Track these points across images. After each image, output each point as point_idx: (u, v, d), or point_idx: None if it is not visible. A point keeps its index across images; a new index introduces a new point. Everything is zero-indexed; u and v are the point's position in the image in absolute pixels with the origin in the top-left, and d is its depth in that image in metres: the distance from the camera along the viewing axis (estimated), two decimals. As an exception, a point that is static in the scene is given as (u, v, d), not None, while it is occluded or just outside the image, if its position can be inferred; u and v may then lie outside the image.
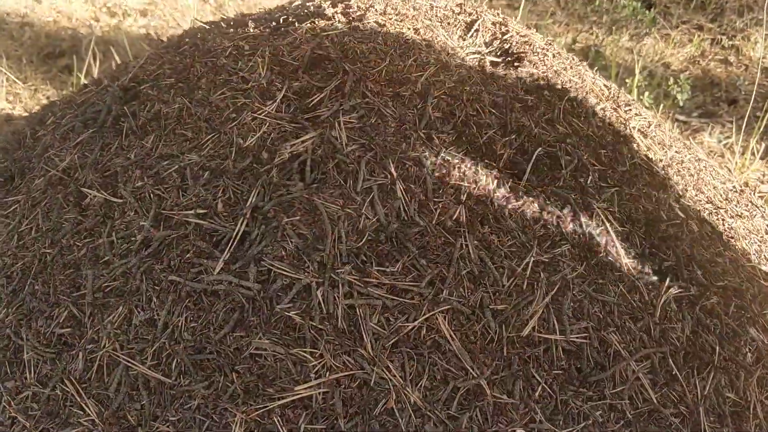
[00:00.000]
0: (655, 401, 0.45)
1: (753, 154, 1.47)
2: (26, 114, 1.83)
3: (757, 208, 0.72)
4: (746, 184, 1.40)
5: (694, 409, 0.46)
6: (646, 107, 1.50)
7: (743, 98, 1.74)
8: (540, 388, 0.43)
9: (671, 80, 1.53)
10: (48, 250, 0.51)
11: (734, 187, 0.72)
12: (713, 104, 1.73)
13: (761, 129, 1.48)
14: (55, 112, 0.66)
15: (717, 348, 0.49)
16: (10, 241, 0.55)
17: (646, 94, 1.50)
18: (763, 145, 1.53)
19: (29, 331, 0.49)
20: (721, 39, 2.03)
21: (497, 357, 0.43)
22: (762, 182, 1.44)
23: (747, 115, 1.50)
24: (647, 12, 1.89)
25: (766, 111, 1.48)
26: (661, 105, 1.58)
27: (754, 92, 1.50)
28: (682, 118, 1.62)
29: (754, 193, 0.84)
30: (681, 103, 1.52)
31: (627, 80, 1.54)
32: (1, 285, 0.53)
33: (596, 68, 1.83)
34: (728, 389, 0.48)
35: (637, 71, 1.48)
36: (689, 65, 1.91)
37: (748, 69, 1.89)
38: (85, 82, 0.91)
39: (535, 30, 1.94)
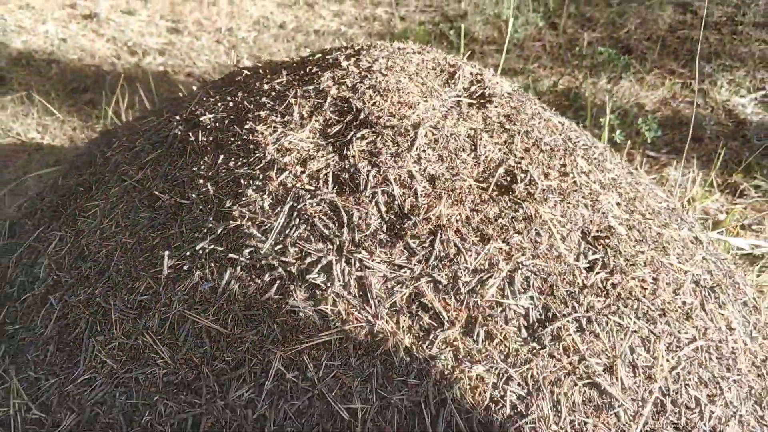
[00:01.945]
0: (583, 352, 0.63)
1: (712, 185, 1.68)
2: (61, 143, 2.05)
3: (686, 222, 0.92)
4: (706, 212, 1.61)
5: (613, 360, 0.64)
6: (617, 142, 1.72)
7: (708, 137, 1.96)
8: (497, 338, 0.61)
9: (640, 120, 1.75)
10: (128, 240, 0.70)
11: (668, 206, 0.92)
12: (681, 142, 1.94)
13: (717, 165, 1.69)
14: (120, 137, 0.85)
15: (633, 317, 0.67)
16: (94, 234, 0.73)
17: (618, 132, 1.71)
18: (723, 178, 1.74)
19: (115, 299, 0.67)
20: (691, 83, 2.26)
21: (466, 315, 0.61)
22: (720, 212, 1.64)
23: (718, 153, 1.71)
24: (622, 58, 2.12)
25: (722, 149, 1.70)
26: (632, 141, 1.79)
27: (707, 131, 1.71)
28: (652, 153, 1.84)
29: (687, 212, 1.03)
30: (649, 140, 1.73)
31: (601, 119, 1.76)
32: (90, 267, 0.71)
33: (575, 107, 2.06)
34: (641, 348, 0.67)
35: (608, 111, 1.69)
36: (661, 106, 2.14)
37: (713, 110, 2.12)
38: (138, 114, 1.10)
39: (516, 73, 2.19)
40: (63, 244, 0.76)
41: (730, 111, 2.12)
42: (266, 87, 0.75)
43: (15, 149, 2.18)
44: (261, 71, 0.82)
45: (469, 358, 0.60)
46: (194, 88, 0.91)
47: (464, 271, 0.63)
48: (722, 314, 0.79)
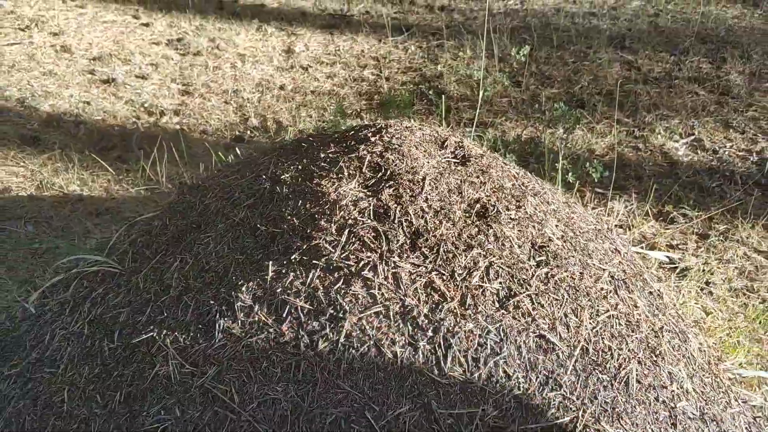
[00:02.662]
0: (534, 315, 1.03)
1: (647, 214, 2.13)
2: (99, 194, 2.45)
3: (608, 238, 1.34)
4: (643, 236, 2.04)
5: (553, 322, 1.05)
6: (570, 182, 2.15)
7: (646, 175, 2.42)
8: (480, 307, 1.01)
9: (588, 163, 2.20)
10: (239, 257, 1.09)
11: (595, 227, 1.34)
12: (624, 180, 2.40)
13: (651, 198, 2.14)
14: (213, 190, 1.25)
15: (566, 296, 1.08)
16: (211, 255, 1.12)
17: (570, 173, 2.16)
18: (658, 208, 2.19)
19: (236, 294, 1.05)
20: (634, 131, 2.74)
21: (460, 294, 1.01)
22: (655, 235, 2.08)
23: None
24: (575, 111, 2.59)
25: (653, 185, 2.16)
26: (583, 181, 2.24)
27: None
28: (599, 190, 2.28)
29: (611, 232, 1.45)
30: (596, 180, 2.18)
31: (557, 164, 2.20)
32: (212, 275, 1.09)
33: (536, 154, 2.52)
34: (571, 315, 1.07)
35: (560, 158, 2.14)
36: (609, 150, 2.61)
37: (652, 153, 2.59)
38: (219, 166, 1.50)
39: (487, 126, 2.66)
40: (185, 263, 1.14)
41: (666, 153, 2.60)
42: (322, 155, 1.16)
43: (59, 201, 2.56)
44: (315, 143, 1.23)
45: (463, 319, 1.00)
46: (253, 152, 1.30)
47: (458, 267, 1.03)
48: (630, 297, 1.21)
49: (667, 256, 1.79)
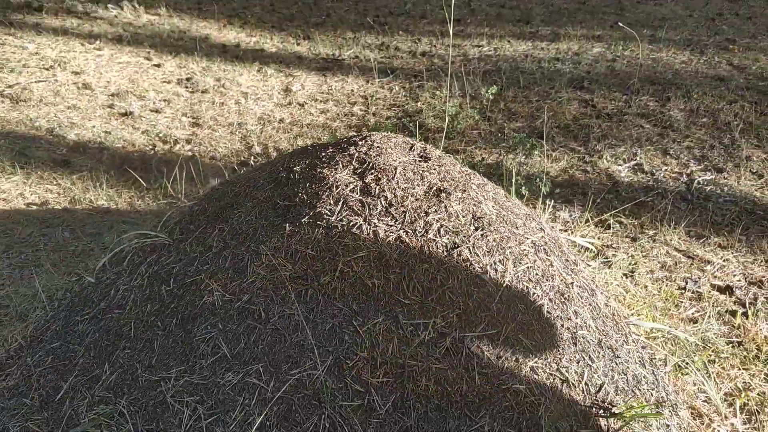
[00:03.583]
0: (472, 261, 1.50)
1: (588, 221, 2.61)
2: (124, 208, 2.88)
3: (534, 220, 1.81)
4: (583, 236, 2.51)
5: (485, 267, 1.51)
6: (524, 194, 2.64)
7: (591, 192, 2.91)
8: (434, 253, 1.48)
9: (538, 179, 2.69)
10: (264, 222, 1.55)
11: (526, 213, 1.82)
12: (571, 195, 2.90)
13: (592, 208, 2.63)
14: (241, 181, 1.72)
15: (494, 251, 1.55)
16: (242, 224, 1.58)
17: (523, 187, 2.65)
18: (599, 218, 2.67)
19: (262, 246, 1.51)
20: (585, 156, 3.26)
21: (420, 244, 1.48)
22: (593, 238, 2.55)
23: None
24: (532, 140, 3.11)
25: (595, 199, 2.65)
26: (536, 195, 2.72)
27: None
28: (550, 203, 2.77)
29: (540, 218, 1.92)
30: (545, 193, 2.67)
31: (513, 181, 2.70)
32: (244, 235, 1.55)
33: (498, 174, 3.03)
34: (500, 263, 1.54)
35: (514, 174, 2.64)
36: (561, 173, 3.11)
37: (598, 174, 3.09)
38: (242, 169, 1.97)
39: (458, 152, 3.22)
40: (222, 231, 1.61)
41: (610, 175, 3.11)
42: (323, 154, 1.64)
43: (89, 213, 3.01)
44: (318, 147, 1.71)
45: (421, 261, 1.46)
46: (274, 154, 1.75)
47: (419, 227, 1.50)
48: (548, 258, 1.68)
49: (589, 241, 2.27)
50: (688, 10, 5.80)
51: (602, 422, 1.42)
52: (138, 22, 5.51)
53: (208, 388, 1.35)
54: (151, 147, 3.58)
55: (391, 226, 1.48)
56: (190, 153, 3.58)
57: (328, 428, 1.27)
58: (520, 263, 1.56)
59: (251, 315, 1.40)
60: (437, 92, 4.01)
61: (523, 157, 3.14)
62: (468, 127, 3.59)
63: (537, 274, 1.58)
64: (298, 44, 5.17)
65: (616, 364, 1.57)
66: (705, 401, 1.84)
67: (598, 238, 2.56)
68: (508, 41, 5.11)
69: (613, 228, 2.66)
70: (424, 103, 3.96)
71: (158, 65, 4.66)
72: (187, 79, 4.42)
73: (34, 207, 3.02)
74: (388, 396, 1.29)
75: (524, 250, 1.60)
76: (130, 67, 4.62)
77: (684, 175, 3.10)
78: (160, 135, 3.75)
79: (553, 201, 2.78)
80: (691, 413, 1.79)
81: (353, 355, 1.33)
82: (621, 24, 5.17)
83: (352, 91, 4.28)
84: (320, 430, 1.27)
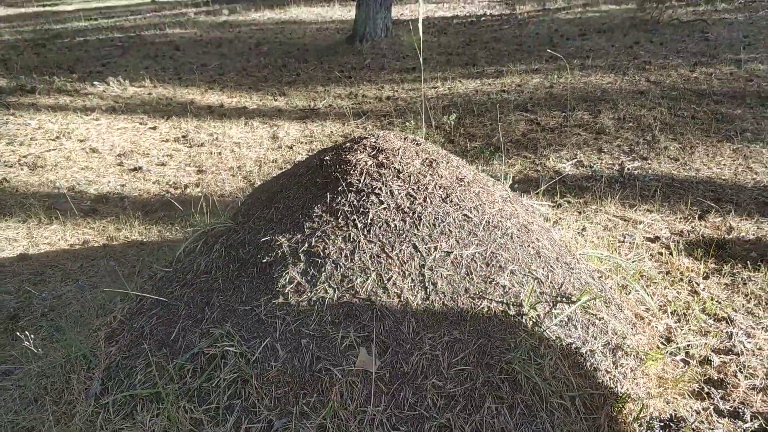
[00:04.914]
0: (461, 206, 2.20)
1: (542, 203, 3.35)
2: (154, 239, 3.52)
3: (501, 185, 2.54)
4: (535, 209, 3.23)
5: (469, 210, 2.22)
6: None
7: (543, 183, 3.67)
8: (433, 201, 2.17)
9: (502, 176, 3.44)
10: (309, 195, 2.23)
11: (494, 181, 2.54)
12: (528, 187, 3.65)
13: (543, 192, 3.38)
14: (281, 175, 2.40)
15: (469, 200, 2.26)
16: (292, 200, 2.25)
17: (489, 180, 3.39)
18: (552, 200, 3.41)
19: (300, 217, 2.17)
20: (535, 161, 4.04)
21: (423, 196, 2.18)
22: (547, 208, 3.28)
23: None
24: (489, 150, 3.88)
25: (546, 187, 3.40)
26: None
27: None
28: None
29: (505, 186, 2.65)
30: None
31: (481, 177, 3.43)
32: (292, 210, 2.21)
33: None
34: (474, 210, 2.25)
35: (480, 171, 3.38)
36: (518, 173, 3.87)
37: (547, 171, 3.87)
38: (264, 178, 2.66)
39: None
40: (278, 208, 2.27)
41: (557, 171, 3.89)
42: (345, 146, 2.34)
43: (127, 246, 3.61)
44: (340, 144, 2.41)
45: (424, 207, 2.15)
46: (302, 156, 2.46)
47: (420, 185, 2.20)
48: (513, 207, 2.39)
49: (544, 204, 3.00)
50: (610, 42, 6.85)
51: (565, 306, 2.11)
52: (125, 94, 6.22)
53: (291, 305, 1.98)
54: (165, 192, 4.22)
55: (401, 186, 2.18)
56: (200, 194, 4.23)
57: (377, 318, 1.91)
58: (493, 207, 2.27)
59: (314, 254, 2.06)
60: (406, 123, 4.79)
61: (484, 164, 3.90)
62: (437, 148, 4.35)
63: (506, 214, 2.29)
64: (276, 100, 5.94)
65: (571, 273, 2.27)
66: (645, 310, 2.54)
67: (552, 214, 3.30)
68: (460, 81, 5.99)
69: (563, 206, 3.41)
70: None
71: (154, 128, 5.34)
72: (183, 137, 5.11)
73: (77, 246, 3.61)
74: (416, 294, 1.95)
75: (495, 199, 2.32)
76: (128, 131, 5.29)
77: (616, 165, 3.90)
78: (170, 183, 4.39)
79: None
80: (635, 316, 2.48)
81: (389, 272, 2.00)
82: (556, 53, 6.13)
83: (332, 132, 5.03)
84: (374, 320, 1.92)
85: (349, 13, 10.48)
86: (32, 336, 2.44)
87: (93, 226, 3.79)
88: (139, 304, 2.43)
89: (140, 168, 4.60)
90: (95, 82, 6.52)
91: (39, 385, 2.27)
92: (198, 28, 9.75)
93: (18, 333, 2.58)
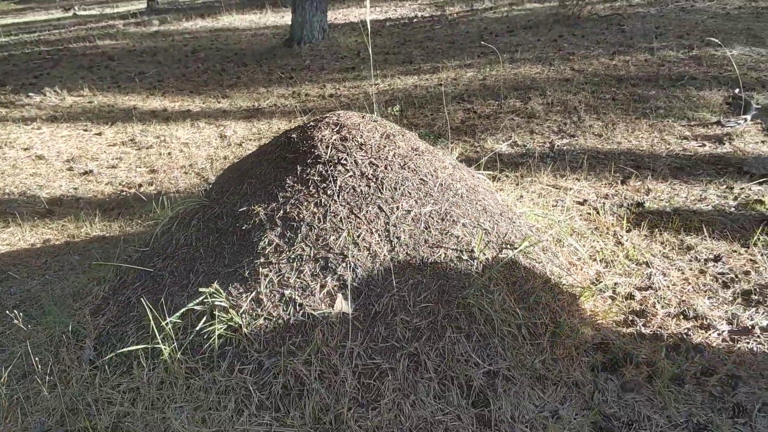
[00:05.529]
0: (417, 171, 2.54)
1: (481, 169, 3.73)
2: (115, 234, 3.74)
3: (449, 157, 2.90)
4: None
5: (425, 175, 2.56)
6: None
7: (483, 162, 4.07)
8: (393, 168, 2.50)
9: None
10: (280, 169, 2.51)
11: (443, 153, 2.90)
12: (468, 165, 4.03)
13: (483, 167, 3.77)
14: (250, 155, 2.68)
15: (424, 166, 2.60)
16: (265, 175, 2.53)
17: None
18: (492, 174, 3.79)
19: (273, 188, 2.46)
20: (474, 144, 4.43)
21: (384, 162, 2.50)
22: (488, 180, 3.67)
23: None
24: (432, 135, 4.25)
25: (486, 164, 3.80)
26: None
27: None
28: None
29: (452, 157, 3.00)
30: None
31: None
32: (265, 185, 2.49)
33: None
34: (433, 173, 2.59)
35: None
36: (459, 156, 4.26)
37: (486, 152, 4.27)
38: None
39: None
40: (251, 183, 2.55)
41: (494, 151, 4.30)
42: (309, 125, 2.63)
43: (89, 242, 3.77)
44: (304, 123, 2.70)
45: (386, 172, 2.47)
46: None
47: (381, 155, 2.52)
48: (461, 173, 2.75)
49: (485, 173, 3.39)
50: (536, 36, 7.40)
51: (509, 251, 2.47)
52: (64, 103, 6.28)
53: (272, 264, 2.26)
54: (119, 192, 4.38)
55: (364, 156, 2.49)
56: (155, 191, 4.41)
57: (351, 269, 2.22)
58: (444, 172, 2.62)
59: (289, 219, 2.35)
60: (352, 117, 5.10)
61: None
62: (383, 137, 4.69)
63: (456, 178, 2.65)
64: (219, 102, 6.15)
65: (513, 226, 2.64)
66: (577, 259, 2.95)
67: (493, 186, 3.69)
68: (399, 78, 6.37)
69: (502, 179, 3.82)
70: (343, 127, 5.04)
71: (99, 133, 5.46)
72: (131, 140, 5.25)
73: (39, 245, 3.75)
74: (383, 247, 2.27)
75: (446, 165, 2.67)
76: (73, 138, 5.39)
77: (547, 143, 4.35)
78: (124, 183, 4.55)
79: (458, 170, 3.89)
80: (568, 263, 2.88)
81: (358, 229, 2.31)
82: (489, 45, 6.60)
83: (279, 128, 5.30)
84: (347, 270, 2.22)
85: (282, 19, 10.75)
86: (18, 317, 2.61)
87: (51, 226, 3.92)
88: (120, 281, 2.64)
89: (91, 171, 4.73)
90: (30, 93, 6.54)
91: (28, 363, 2.45)
92: (129, 38, 9.79)
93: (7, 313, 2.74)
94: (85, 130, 5.55)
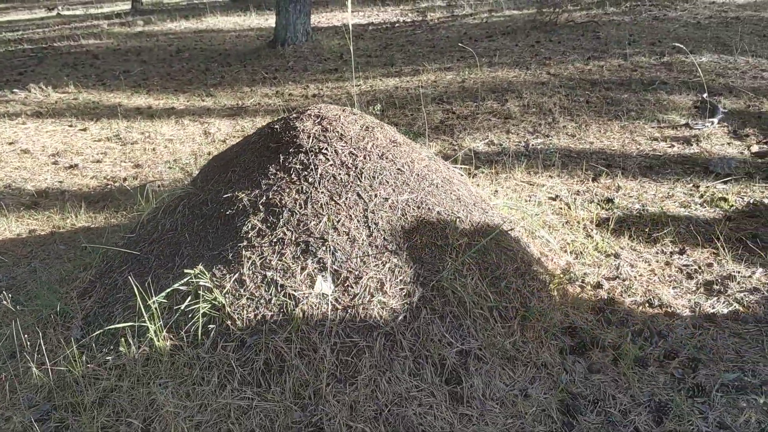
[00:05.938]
0: (395, 162, 2.64)
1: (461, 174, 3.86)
2: (101, 225, 3.80)
3: (426, 152, 3.01)
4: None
5: (402, 165, 2.67)
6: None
7: (460, 158, 4.19)
8: (371, 158, 2.61)
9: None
10: (264, 158, 2.60)
11: (420, 147, 3.01)
12: (445, 158, 4.15)
13: (459, 161, 3.88)
14: (235, 145, 2.76)
15: (402, 157, 2.71)
16: (248, 164, 2.62)
17: (414, 156, 3.87)
18: (468, 171, 3.92)
19: (256, 176, 2.55)
20: (453, 143, 4.54)
21: (363, 153, 2.60)
22: (464, 175, 3.79)
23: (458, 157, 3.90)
24: (412, 133, 4.36)
25: (463, 161, 3.91)
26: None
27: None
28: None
29: (430, 152, 3.12)
30: (430, 159, 3.90)
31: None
32: (248, 172, 2.58)
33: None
34: (410, 164, 2.70)
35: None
36: (438, 153, 4.37)
37: (463, 150, 4.39)
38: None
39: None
40: (235, 171, 2.63)
41: (472, 150, 4.42)
42: (292, 116, 2.73)
43: (75, 231, 3.83)
44: (286, 115, 2.79)
45: (365, 162, 2.58)
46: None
47: (360, 146, 2.63)
48: (437, 165, 2.87)
49: (461, 167, 3.51)
50: (514, 42, 7.57)
51: (481, 238, 2.58)
52: (49, 100, 6.30)
53: (255, 247, 2.35)
54: (104, 185, 4.43)
55: (344, 146, 2.60)
56: (139, 184, 4.46)
57: (331, 252, 2.32)
58: (420, 163, 2.73)
59: (272, 205, 2.44)
60: (334, 116, 5.20)
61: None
62: (364, 134, 4.80)
63: (432, 169, 2.76)
64: (203, 100, 6.22)
65: (486, 215, 2.76)
66: (548, 250, 3.07)
67: (470, 182, 3.81)
68: (380, 80, 6.49)
69: (478, 175, 3.94)
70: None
71: (84, 129, 5.50)
72: (116, 136, 5.30)
73: (24, 235, 3.79)
74: (361, 232, 2.37)
75: (423, 157, 2.78)
76: (58, 133, 5.43)
77: (522, 142, 4.49)
78: (109, 177, 4.61)
79: (436, 166, 4.00)
80: (540, 254, 3.00)
81: (338, 215, 2.41)
82: (468, 48, 6.75)
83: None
84: (327, 253, 2.32)
85: (266, 21, 10.83)
86: (6, 298, 2.67)
87: (37, 217, 3.96)
88: (107, 266, 2.71)
89: (76, 165, 4.77)
90: (15, 90, 6.56)
91: (14, 344, 2.51)
92: (114, 38, 9.80)
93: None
94: (70, 126, 5.59)
